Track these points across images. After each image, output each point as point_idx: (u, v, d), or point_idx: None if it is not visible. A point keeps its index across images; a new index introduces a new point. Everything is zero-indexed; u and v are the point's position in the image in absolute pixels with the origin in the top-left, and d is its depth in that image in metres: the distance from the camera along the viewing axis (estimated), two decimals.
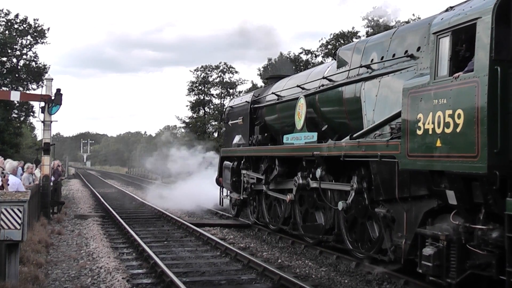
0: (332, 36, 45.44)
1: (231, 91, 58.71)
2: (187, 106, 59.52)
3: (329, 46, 44.67)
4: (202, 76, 59.50)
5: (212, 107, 59.67)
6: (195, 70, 60.00)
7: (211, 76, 59.79)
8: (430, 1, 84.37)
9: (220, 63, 59.32)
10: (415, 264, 7.97)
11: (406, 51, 8.99)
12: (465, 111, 6.79)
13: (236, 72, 60.23)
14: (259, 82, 49.63)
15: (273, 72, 32.18)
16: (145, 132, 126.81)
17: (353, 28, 45.23)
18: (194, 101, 59.27)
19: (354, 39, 40.96)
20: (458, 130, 6.89)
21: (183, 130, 63.03)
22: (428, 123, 7.39)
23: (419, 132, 7.57)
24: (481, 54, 6.73)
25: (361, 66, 10.21)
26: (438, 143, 7.21)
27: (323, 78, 11.79)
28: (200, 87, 59.35)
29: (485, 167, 6.46)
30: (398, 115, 8.41)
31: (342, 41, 43.01)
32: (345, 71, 10.88)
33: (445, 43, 7.40)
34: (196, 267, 10.38)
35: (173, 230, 15.56)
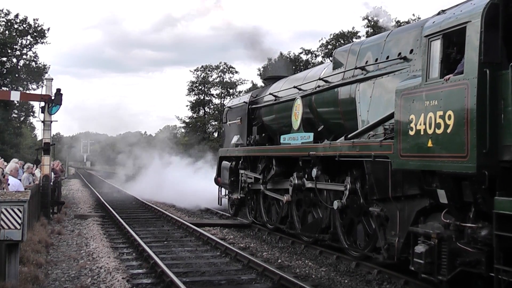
0: (332, 36, 45.56)
1: (231, 91, 58.77)
2: (187, 106, 59.68)
3: (329, 46, 44.83)
4: (202, 76, 59.59)
5: (212, 107, 59.75)
6: (195, 70, 60.24)
7: (211, 76, 59.89)
8: (430, 1, 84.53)
9: (220, 63, 59.52)
10: (408, 263, 8.12)
11: (400, 53, 9.16)
12: (455, 113, 6.96)
13: (236, 72, 60.41)
14: (259, 82, 49.81)
15: (273, 72, 32.43)
16: (145, 132, 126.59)
17: (353, 28, 45.37)
18: (194, 101, 59.39)
19: (354, 39, 41.13)
20: (448, 131, 7.05)
21: (183, 130, 63.13)
22: (420, 124, 7.55)
23: (411, 133, 7.73)
24: (470, 56, 6.88)
25: (356, 68, 10.38)
26: (430, 144, 7.36)
27: (319, 79, 11.97)
28: (200, 87, 59.44)
29: (474, 167, 6.62)
30: (391, 116, 8.57)
31: (342, 41, 43.17)
32: (341, 72, 11.05)
33: (436, 46, 7.56)
34: (196, 267, 10.40)
35: (173, 230, 15.61)
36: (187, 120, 59.68)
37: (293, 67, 42.39)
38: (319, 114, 11.96)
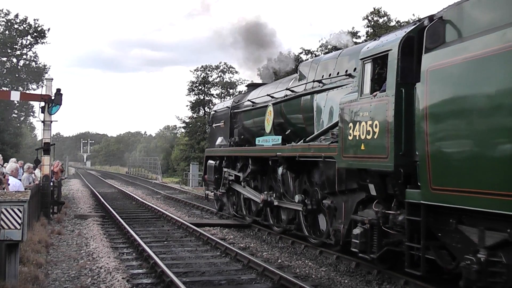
0: (332, 36, 45.94)
1: (231, 91, 58.75)
2: (187, 106, 59.61)
3: (329, 46, 45.38)
4: (202, 76, 59.65)
5: (212, 107, 59.97)
6: (195, 70, 59.69)
7: (211, 76, 59.95)
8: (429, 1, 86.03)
9: (220, 63, 59.03)
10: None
11: (347, 70, 10.88)
12: (380, 122, 8.58)
13: (236, 72, 60.41)
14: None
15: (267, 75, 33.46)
16: (145, 132, 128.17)
17: (353, 28, 45.97)
18: (194, 101, 59.28)
19: (354, 39, 41.97)
20: (375, 137, 8.65)
21: (183, 130, 63.56)
22: (356, 131, 9.18)
23: (350, 138, 9.35)
24: (390, 77, 8.50)
25: (314, 81, 12.12)
26: (362, 147, 8.99)
27: (287, 89, 13.70)
28: (200, 87, 59.52)
29: (392, 166, 8.23)
30: (337, 123, 10.26)
31: (342, 41, 43.76)
32: (303, 84, 12.81)
33: (368, 67, 9.22)
34: (196, 267, 10.50)
35: (173, 230, 15.65)
36: (187, 120, 60.08)
37: (293, 67, 43.04)
38: (287, 120, 13.68)
